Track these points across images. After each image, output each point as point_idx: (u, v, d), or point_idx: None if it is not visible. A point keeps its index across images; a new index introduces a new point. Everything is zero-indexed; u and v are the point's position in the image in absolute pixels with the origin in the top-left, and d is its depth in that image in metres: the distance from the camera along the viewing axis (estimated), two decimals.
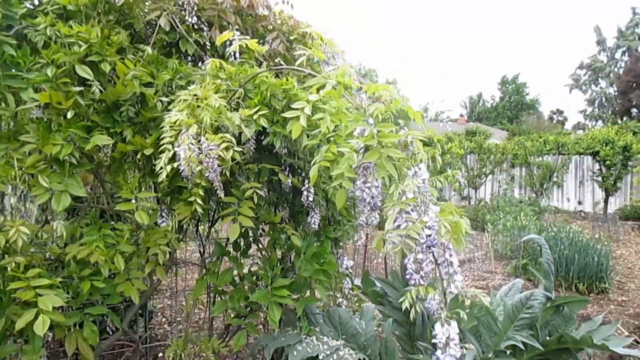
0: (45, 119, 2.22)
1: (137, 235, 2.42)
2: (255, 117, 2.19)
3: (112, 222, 2.44)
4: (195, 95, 2.12)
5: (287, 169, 2.60)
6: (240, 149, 1.96)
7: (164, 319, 5.08)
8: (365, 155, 1.51)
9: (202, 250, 2.74)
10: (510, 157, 15.93)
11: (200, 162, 1.87)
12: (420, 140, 1.54)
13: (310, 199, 2.52)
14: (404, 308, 1.67)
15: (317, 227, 2.62)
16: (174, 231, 2.52)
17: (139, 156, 2.30)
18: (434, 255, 1.59)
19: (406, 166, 1.61)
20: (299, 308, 2.49)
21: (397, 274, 3.17)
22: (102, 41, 2.33)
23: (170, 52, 2.73)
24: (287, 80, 2.41)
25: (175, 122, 2.02)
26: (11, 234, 1.92)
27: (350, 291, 2.88)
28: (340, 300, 2.80)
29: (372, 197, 1.59)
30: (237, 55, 2.72)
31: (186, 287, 4.92)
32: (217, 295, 2.76)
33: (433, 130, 1.58)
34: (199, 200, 1.96)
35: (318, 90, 2.15)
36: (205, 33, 2.67)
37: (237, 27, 2.79)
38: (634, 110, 30.13)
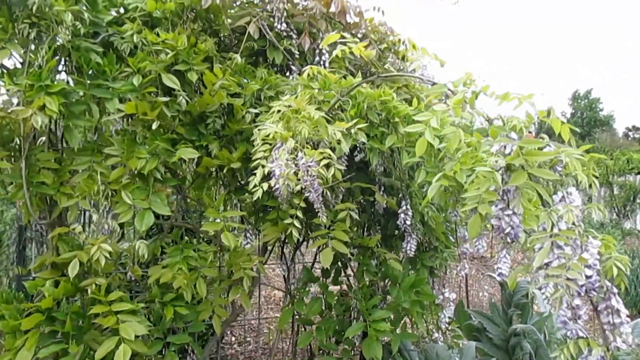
0: (129, 131, 2.09)
1: (220, 257, 2.24)
2: (352, 130, 1.96)
3: (194, 242, 2.27)
4: (289, 106, 1.91)
5: (382, 188, 2.36)
6: (341, 166, 1.73)
7: (233, 338, 4.93)
8: (512, 177, 1.24)
9: (286, 275, 2.53)
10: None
11: (299, 180, 1.65)
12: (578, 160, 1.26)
13: (408, 222, 2.26)
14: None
15: (413, 253, 2.35)
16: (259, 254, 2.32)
17: (225, 171, 2.12)
18: (592, 301, 1.29)
19: (548, 191, 1.33)
20: (394, 344, 2.22)
21: (497, 307, 2.85)
22: (189, 49, 2.19)
23: (256, 61, 2.57)
24: (384, 91, 2.18)
25: (268, 135, 1.82)
26: (93, 252, 1.78)
27: (447, 326, 2.58)
28: (436, 335, 2.51)
29: (513, 227, 1.32)
30: (327, 64, 2.53)
31: (254, 305, 4.75)
32: (300, 325, 2.54)
33: (589, 147, 1.28)
34: (296, 224, 1.74)
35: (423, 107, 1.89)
36: (294, 41, 2.48)
37: (327, 34, 2.59)
38: None
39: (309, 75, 2.12)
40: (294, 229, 1.73)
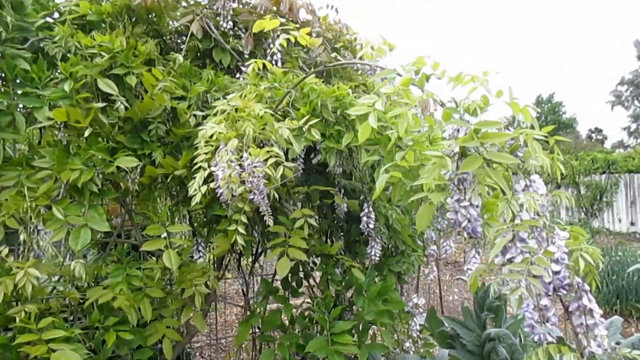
0: (61, 141, 1.92)
1: (170, 273, 2.06)
2: (305, 128, 1.83)
3: (139, 260, 2.09)
4: (234, 105, 1.77)
5: (342, 191, 2.22)
6: (291, 165, 1.59)
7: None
8: (464, 162, 1.11)
9: (245, 288, 2.36)
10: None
11: (243, 183, 1.50)
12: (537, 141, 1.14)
13: (371, 225, 2.12)
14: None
15: (377, 258, 2.22)
16: (213, 267, 2.16)
17: (170, 180, 1.96)
18: (561, 301, 1.17)
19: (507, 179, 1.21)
20: (361, 357, 2.07)
21: (469, 312, 2.72)
22: (128, 52, 2.03)
23: (204, 63, 2.42)
24: (338, 87, 2.05)
25: (211, 136, 1.67)
26: (19, 278, 1.59)
27: (419, 334, 2.44)
28: (407, 344, 2.37)
29: (470, 221, 1.19)
30: (280, 64, 2.40)
31: (225, 324, 4.54)
32: (262, 342, 2.37)
33: (551, 128, 1.17)
34: (240, 229, 1.59)
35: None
36: (242, 41, 2.34)
37: (277, 34, 2.46)
38: None
39: (255, 71, 1.99)
40: (239, 236, 1.58)
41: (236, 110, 1.73)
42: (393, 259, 2.38)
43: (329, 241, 2.41)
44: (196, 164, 2.01)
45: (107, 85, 1.95)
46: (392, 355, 2.33)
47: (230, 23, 2.27)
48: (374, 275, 2.26)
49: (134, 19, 2.34)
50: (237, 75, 2.39)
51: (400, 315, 2.35)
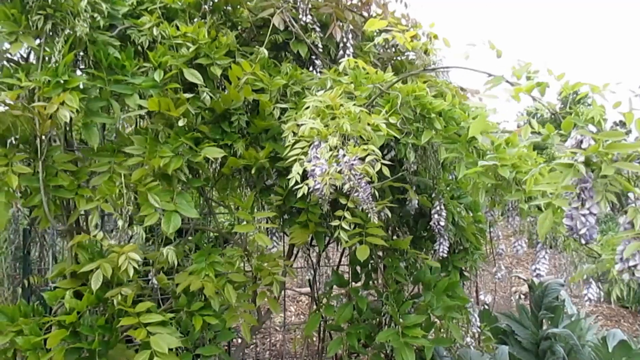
0: (151, 130, 1.97)
1: (245, 261, 2.12)
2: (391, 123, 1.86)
3: (217, 247, 2.15)
4: (323, 101, 1.80)
5: (413, 188, 2.26)
6: (388, 163, 1.62)
7: (240, 340, 4.79)
8: (603, 169, 1.14)
9: (312, 279, 2.42)
10: None
11: (340, 179, 1.54)
12: None
13: (442, 222, 2.16)
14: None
15: (445, 254, 2.25)
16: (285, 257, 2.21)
17: (252, 172, 2.00)
18: None
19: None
20: (428, 350, 2.12)
21: (525, 309, 2.76)
22: (211, 43, 2.07)
23: (277, 56, 2.45)
24: (417, 86, 2.08)
25: (304, 132, 1.70)
26: (121, 262, 1.65)
27: (479, 329, 2.49)
28: (468, 339, 2.41)
29: (588, 228, 1.22)
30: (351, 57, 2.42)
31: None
32: (325, 332, 2.43)
33: None
34: (345, 225, 1.63)
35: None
36: (318, 34, 2.37)
37: (350, 28, 2.49)
38: None
39: (338, 69, 2.02)
40: (342, 231, 1.62)
41: (327, 106, 1.77)
42: (457, 255, 2.41)
43: (393, 236, 2.45)
44: (277, 156, 2.07)
45: (193, 76, 2.00)
46: (454, 350, 2.38)
47: (309, 17, 2.30)
48: (439, 270, 2.31)
49: (211, 9, 2.38)
50: (311, 68, 2.42)
51: (462, 311, 2.39)
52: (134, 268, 1.69)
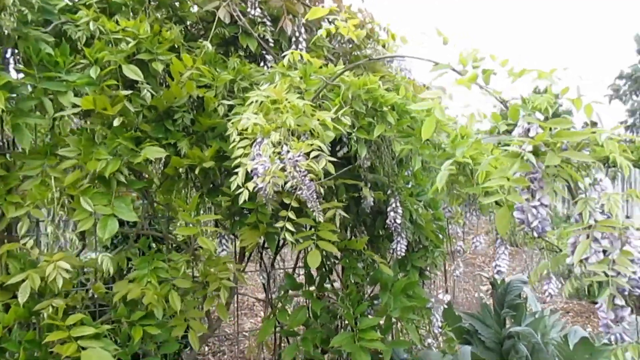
0: (87, 130, 1.85)
1: (193, 266, 2.02)
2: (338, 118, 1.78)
3: (163, 252, 2.04)
4: (267, 96, 1.72)
5: (368, 185, 2.18)
6: (333, 159, 1.54)
7: (207, 348, 4.65)
8: (547, 160, 1.07)
9: (266, 282, 2.32)
10: None
11: (285, 177, 1.45)
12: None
13: (399, 220, 2.09)
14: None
15: (403, 253, 2.18)
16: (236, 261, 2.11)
17: (197, 172, 1.90)
18: (626, 300, 1.14)
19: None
20: (386, 354, 2.05)
21: (488, 308, 2.71)
22: (153, 38, 1.97)
23: (226, 51, 2.35)
24: (369, 79, 2.00)
25: (246, 129, 1.61)
26: (49, 272, 1.53)
27: (440, 330, 2.42)
28: (429, 341, 2.35)
29: (540, 220, 1.16)
30: (304, 52, 2.34)
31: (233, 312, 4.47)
32: (283, 337, 2.33)
33: (619, 127, 1.14)
34: (289, 226, 1.54)
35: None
36: (268, 28, 2.28)
37: (302, 22, 2.41)
38: None
39: (288, 62, 1.93)
40: (287, 232, 1.53)
41: (273, 101, 1.68)
42: (416, 254, 2.35)
43: (351, 236, 2.37)
44: (224, 155, 1.98)
45: (132, 72, 1.88)
46: (415, 352, 2.30)
47: (258, 10, 2.21)
48: (397, 270, 2.24)
49: (156, 4, 2.27)
50: (261, 63, 2.33)
51: (422, 311, 2.32)
52: (74, 277, 1.58)
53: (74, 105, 1.77)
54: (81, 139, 1.78)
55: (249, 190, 1.43)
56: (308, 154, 1.49)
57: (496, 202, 1.28)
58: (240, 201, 1.45)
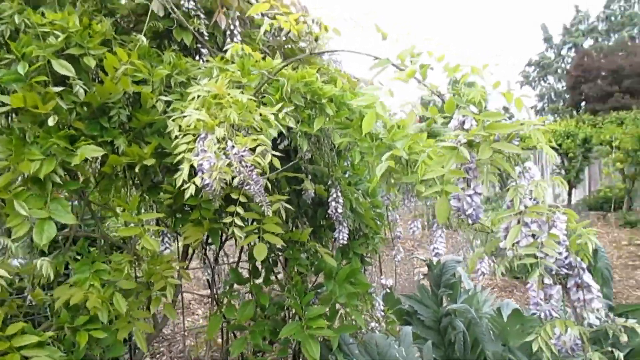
0: (16, 129, 1.76)
1: (135, 266, 1.98)
2: (280, 115, 1.80)
3: (102, 253, 1.99)
4: (208, 91, 1.71)
5: (308, 177, 2.22)
6: (278, 154, 1.56)
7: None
8: (480, 152, 1.15)
9: (211, 278, 2.31)
10: None
11: (232, 173, 1.46)
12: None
13: (340, 210, 2.14)
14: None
15: (345, 242, 2.25)
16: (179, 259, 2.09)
17: (137, 170, 1.86)
18: (559, 280, 1.25)
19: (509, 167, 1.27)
20: (334, 340, 2.11)
21: (425, 289, 2.84)
22: (83, 31, 1.90)
23: (160, 45, 2.30)
24: (307, 72, 2.03)
25: (188, 125, 1.60)
26: None
27: (383, 313, 2.51)
28: (373, 324, 2.43)
29: (474, 208, 1.24)
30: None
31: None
32: (230, 332, 2.34)
33: (544, 119, 1.23)
34: (238, 221, 1.54)
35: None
36: (202, 21, 2.25)
37: (238, 13, 2.39)
38: (583, 103, 31.19)
39: (231, 55, 1.93)
40: (236, 228, 1.53)
41: (215, 96, 1.67)
42: (357, 241, 2.42)
43: (293, 228, 2.40)
44: (163, 151, 1.95)
45: (63, 67, 1.81)
46: (360, 336, 2.38)
47: (192, 2, 2.17)
48: (339, 258, 2.30)
49: None
50: (197, 57, 2.31)
51: (365, 297, 2.40)
52: (4, 285, 1.51)
53: (3, 104, 1.69)
54: (11, 138, 1.69)
55: (196, 186, 1.42)
56: (253, 149, 1.51)
57: (436, 192, 1.35)
58: (186, 197, 1.44)
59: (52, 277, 1.62)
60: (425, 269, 7.05)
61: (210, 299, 2.30)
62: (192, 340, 4.77)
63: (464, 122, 1.21)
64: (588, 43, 36.79)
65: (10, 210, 1.60)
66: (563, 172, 14.75)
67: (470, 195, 1.23)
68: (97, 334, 1.69)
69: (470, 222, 1.25)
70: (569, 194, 14.94)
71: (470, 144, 1.19)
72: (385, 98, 1.37)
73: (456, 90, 1.24)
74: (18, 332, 1.51)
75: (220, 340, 2.47)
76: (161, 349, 4.52)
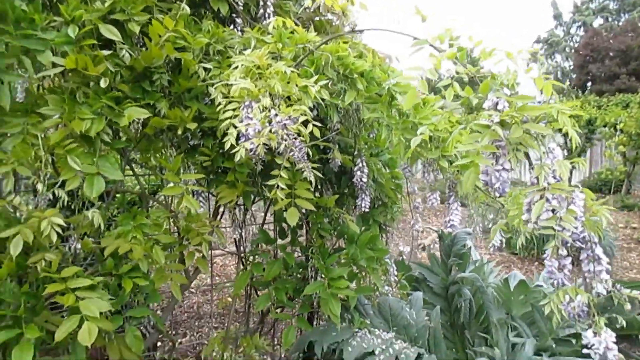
0: (67, 89, 1.87)
1: (173, 222, 2.12)
2: (316, 87, 1.90)
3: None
4: (252, 61, 1.81)
5: (336, 147, 2.33)
6: (319, 124, 1.68)
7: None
8: (512, 131, 1.27)
9: (239, 237, 2.45)
10: None
11: (274, 139, 1.57)
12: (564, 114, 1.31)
13: (364, 179, 2.27)
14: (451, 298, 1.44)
15: (367, 209, 2.38)
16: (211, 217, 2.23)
17: (179, 132, 1.97)
18: (570, 250, 1.38)
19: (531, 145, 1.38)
20: (352, 299, 2.26)
21: (436, 258, 2.98)
22: None
23: (197, 13, 2.38)
24: (340, 47, 2.12)
25: (234, 92, 1.70)
26: (44, 226, 1.59)
27: (396, 279, 2.66)
28: (386, 288, 2.58)
29: (502, 182, 1.36)
30: (272, 17, 2.42)
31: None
32: (252, 288, 2.49)
33: (573, 104, 1.34)
34: (281, 184, 1.65)
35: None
36: None
37: None
38: (589, 84, 31.07)
39: (262, 27, 2.01)
40: (279, 191, 1.65)
41: (255, 66, 1.77)
42: (377, 210, 2.55)
43: (318, 194, 2.53)
44: (202, 116, 2.06)
45: (109, 32, 1.91)
46: (374, 298, 2.54)
47: None
48: (360, 225, 2.43)
49: None
50: (232, 26, 2.39)
51: (380, 262, 2.54)
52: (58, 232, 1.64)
53: (54, 64, 1.79)
54: (63, 97, 1.80)
55: (245, 149, 1.53)
56: (294, 118, 1.62)
57: (456, 165, 1.46)
58: (237, 158, 1.54)
59: (102, 227, 1.75)
60: (425, 241, 7.23)
61: (236, 258, 2.44)
62: (202, 297, 4.99)
63: (497, 103, 1.32)
64: (598, 22, 36.44)
65: (64, 164, 1.72)
66: (565, 152, 14.82)
67: (498, 170, 1.35)
68: (140, 282, 1.83)
69: (497, 195, 1.37)
70: (570, 175, 15.05)
71: (502, 124, 1.31)
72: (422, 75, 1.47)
73: (493, 74, 1.34)
74: (72, 276, 1.65)
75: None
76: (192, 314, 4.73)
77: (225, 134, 1.64)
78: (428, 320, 2.53)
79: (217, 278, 5.61)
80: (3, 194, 1.87)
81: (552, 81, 1.37)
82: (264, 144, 1.58)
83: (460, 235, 2.89)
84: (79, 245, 1.87)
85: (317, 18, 2.73)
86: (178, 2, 2.12)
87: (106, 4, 1.93)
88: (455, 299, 2.77)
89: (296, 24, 2.53)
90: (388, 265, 2.58)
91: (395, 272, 2.62)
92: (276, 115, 1.61)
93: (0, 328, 1.56)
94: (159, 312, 3.33)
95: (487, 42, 1.45)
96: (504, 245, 2.24)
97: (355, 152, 2.31)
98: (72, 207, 1.94)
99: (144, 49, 2.04)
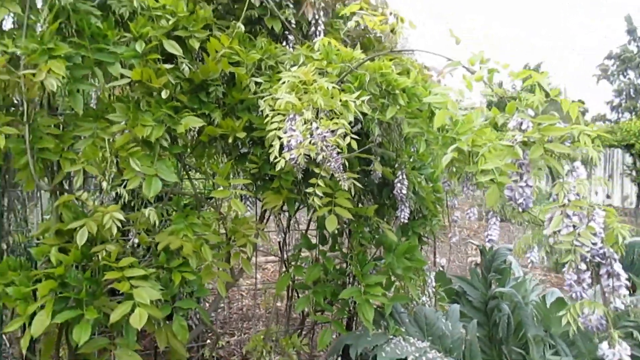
0: (132, 98, 2.08)
1: (221, 224, 2.28)
2: (358, 102, 2.01)
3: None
4: (297, 77, 1.95)
5: (377, 159, 2.43)
6: (356, 137, 1.79)
7: (207, 305, 4.99)
8: (532, 151, 1.33)
9: (282, 242, 2.59)
10: None
11: (314, 150, 1.70)
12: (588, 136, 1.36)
13: (404, 191, 2.35)
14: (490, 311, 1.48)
15: (406, 220, 2.46)
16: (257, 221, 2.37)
17: (230, 141, 2.14)
18: (588, 265, 1.42)
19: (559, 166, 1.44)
20: (387, 307, 2.34)
21: (476, 272, 3.01)
22: (189, 16, 2.18)
23: (252, 31, 2.56)
24: (384, 63, 2.23)
25: (279, 106, 1.85)
26: (106, 220, 1.79)
27: (434, 290, 2.72)
28: (424, 299, 2.65)
29: (525, 198, 1.42)
30: (322, 34, 2.56)
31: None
32: (294, 291, 2.62)
33: (594, 126, 1.39)
34: (318, 192, 1.78)
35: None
36: (291, 10, 2.49)
37: (321, 5, 2.61)
38: None
39: (311, 45, 2.15)
40: (316, 198, 1.78)
41: (301, 81, 1.91)
42: (417, 222, 2.62)
43: (359, 204, 2.63)
44: (251, 126, 2.22)
45: (172, 47, 2.10)
46: (411, 307, 2.60)
47: None
48: (400, 235, 2.51)
49: None
50: (284, 43, 2.55)
51: (418, 272, 2.61)
52: (119, 227, 1.83)
53: (122, 76, 1.99)
54: (129, 106, 2.00)
55: (285, 160, 1.66)
56: (333, 130, 1.74)
57: (491, 180, 1.53)
58: (278, 168, 1.68)
59: (157, 224, 1.93)
60: (477, 259, 7.15)
61: (280, 264, 2.58)
62: (253, 300, 5.17)
63: (521, 124, 1.39)
64: None
65: (126, 165, 1.91)
66: (634, 173, 14.17)
67: (521, 187, 1.41)
68: (188, 276, 2.00)
69: (520, 210, 1.43)
70: (638, 196, 14.37)
71: (525, 143, 1.37)
72: (455, 95, 1.56)
73: (519, 95, 1.41)
74: (128, 266, 1.83)
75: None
76: (222, 305, 4.91)
77: (271, 145, 1.77)
78: (464, 333, 2.56)
79: (268, 283, 5.78)
80: (73, 189, 2.08)
81: (578, 103, 1.42)
82: (305, 154, 1.71)
83: (501, 251, 2.91)
84: (136, 240, 2.05)
85: (366, 35, 2.85)
86: (235, 21, 2.29)
87: (170, 22, 2.12)
88: (494, 313, 2.79)
89: (345, 42, 2.68)
90: (426, 276, 2.64)
91: (434, 284, 2.67)
92: (317, 128, 1.73)
93: (65, 308, 1.77)
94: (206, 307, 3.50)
95: (506, 43, 1.51)
96: (554, 266, 2.26)
97: (397, 165, 2.40)
98: (133, 205, 2.13)
99: (202, 63, 2.23)
